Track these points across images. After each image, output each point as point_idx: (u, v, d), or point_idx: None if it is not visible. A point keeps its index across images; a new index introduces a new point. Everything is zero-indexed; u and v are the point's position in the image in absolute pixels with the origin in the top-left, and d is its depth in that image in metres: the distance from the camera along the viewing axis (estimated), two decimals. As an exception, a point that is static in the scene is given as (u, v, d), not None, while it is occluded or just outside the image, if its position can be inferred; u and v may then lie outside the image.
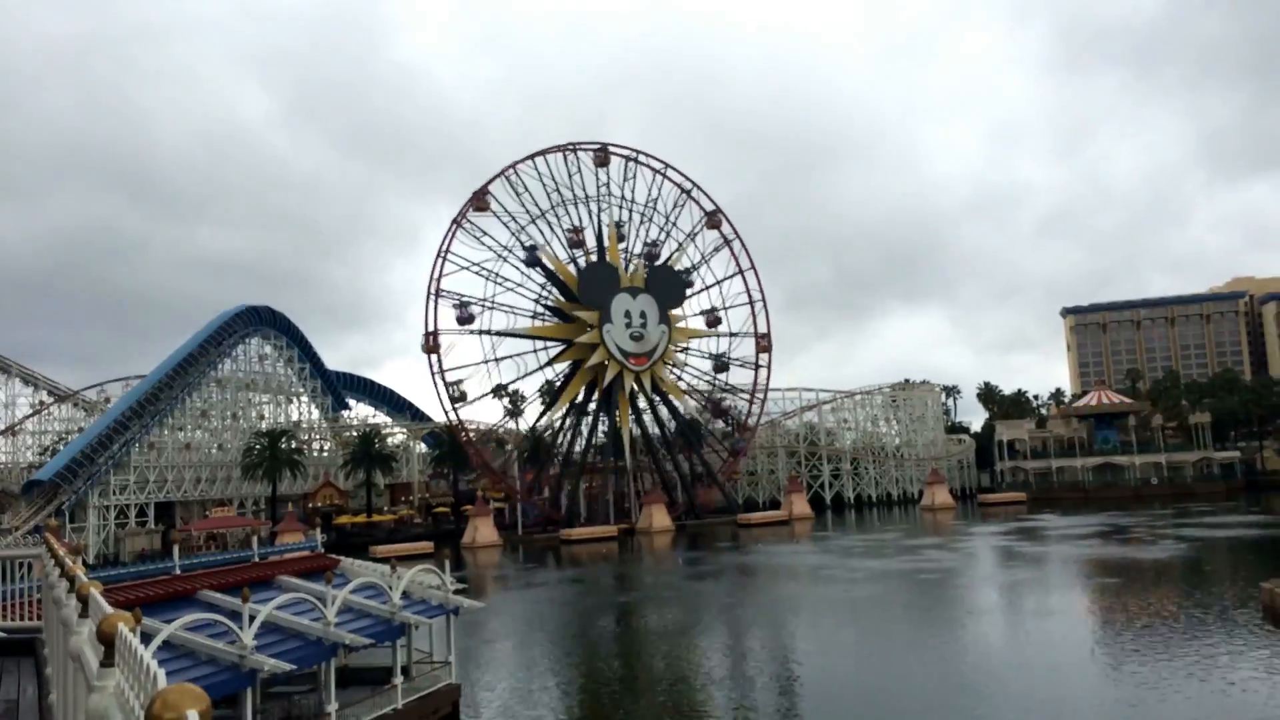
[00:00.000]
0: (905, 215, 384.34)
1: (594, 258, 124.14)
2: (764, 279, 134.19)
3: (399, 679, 27.21)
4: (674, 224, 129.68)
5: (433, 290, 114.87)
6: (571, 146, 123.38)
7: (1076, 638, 39.66)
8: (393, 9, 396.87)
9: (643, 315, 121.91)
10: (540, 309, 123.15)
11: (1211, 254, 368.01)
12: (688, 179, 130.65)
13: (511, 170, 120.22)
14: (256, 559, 32.06)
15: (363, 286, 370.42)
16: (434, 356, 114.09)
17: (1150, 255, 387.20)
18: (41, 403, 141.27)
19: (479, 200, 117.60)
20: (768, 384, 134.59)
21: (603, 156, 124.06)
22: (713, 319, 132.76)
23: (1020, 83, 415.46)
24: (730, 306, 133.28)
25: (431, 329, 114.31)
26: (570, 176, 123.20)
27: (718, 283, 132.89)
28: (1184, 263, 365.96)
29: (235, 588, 24.93)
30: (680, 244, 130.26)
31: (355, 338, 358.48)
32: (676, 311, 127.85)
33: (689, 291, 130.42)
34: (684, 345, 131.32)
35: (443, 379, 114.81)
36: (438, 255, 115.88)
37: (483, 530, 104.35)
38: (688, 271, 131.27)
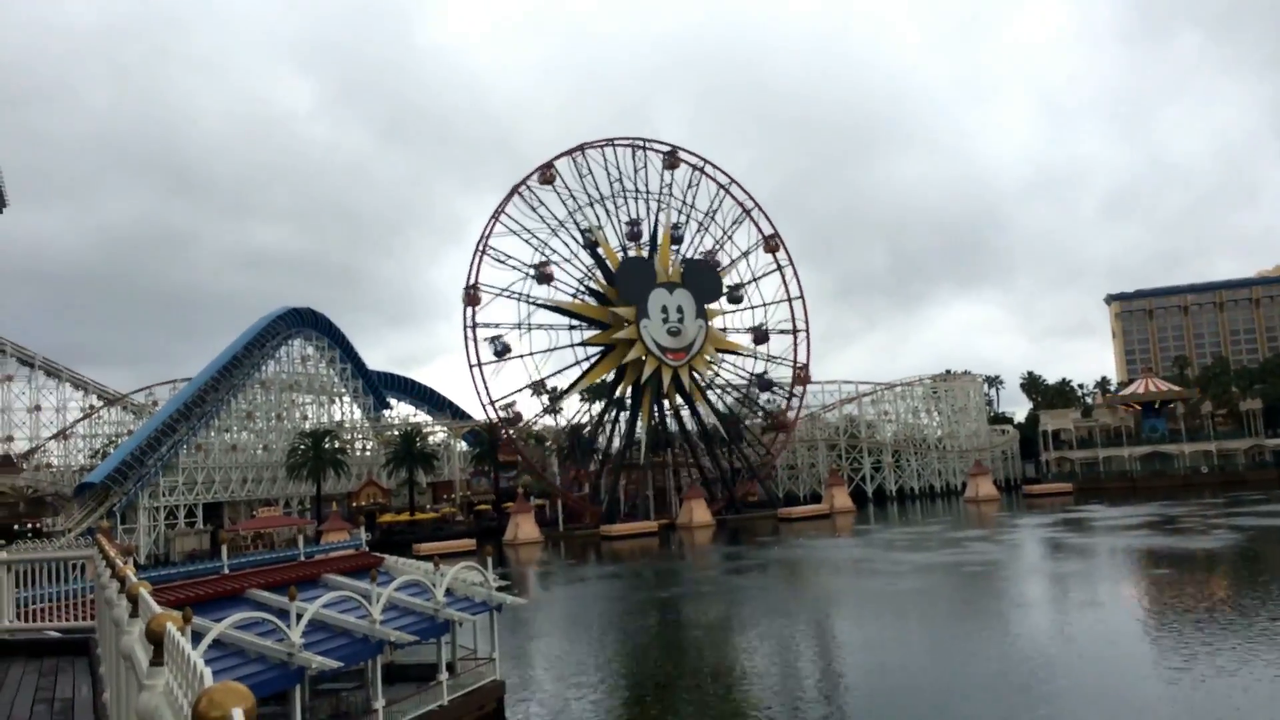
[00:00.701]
0: (962, 198, 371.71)
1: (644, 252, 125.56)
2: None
3: (444, 675, 27.32)
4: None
5: (481, 247, 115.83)
6: (642, 143, 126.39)
7: (1131, 631, 38.80)
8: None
9: (679, 310, 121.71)
10: (582, 289, 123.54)
11: (1278, 234, 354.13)
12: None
13: (579, 152, 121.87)
14: (303, 558, 32.35)
15: (408, 282, 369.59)
16: (471, 309, 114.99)
17: (1218, 237, 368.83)
18: (91, 407, 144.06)
19: (545, 173, 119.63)
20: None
21: (672, 159, 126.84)
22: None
23: (1084, 55, 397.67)
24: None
25: (473, 282, 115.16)
26: (636, 172, 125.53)
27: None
28: (1254, 244, 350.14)
29: (282, 586, 25.16)
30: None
31: (400, 334, 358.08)
32: (713, 306, 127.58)
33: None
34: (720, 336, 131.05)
35: (474, 337, 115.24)
36: (492, 217, 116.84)
37: (524, 527, 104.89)
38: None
